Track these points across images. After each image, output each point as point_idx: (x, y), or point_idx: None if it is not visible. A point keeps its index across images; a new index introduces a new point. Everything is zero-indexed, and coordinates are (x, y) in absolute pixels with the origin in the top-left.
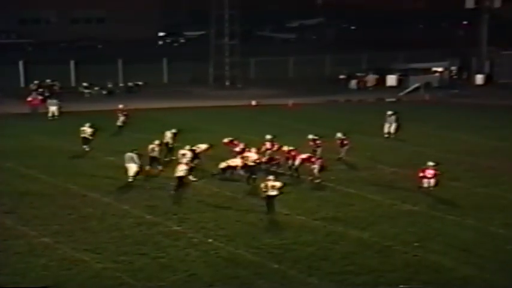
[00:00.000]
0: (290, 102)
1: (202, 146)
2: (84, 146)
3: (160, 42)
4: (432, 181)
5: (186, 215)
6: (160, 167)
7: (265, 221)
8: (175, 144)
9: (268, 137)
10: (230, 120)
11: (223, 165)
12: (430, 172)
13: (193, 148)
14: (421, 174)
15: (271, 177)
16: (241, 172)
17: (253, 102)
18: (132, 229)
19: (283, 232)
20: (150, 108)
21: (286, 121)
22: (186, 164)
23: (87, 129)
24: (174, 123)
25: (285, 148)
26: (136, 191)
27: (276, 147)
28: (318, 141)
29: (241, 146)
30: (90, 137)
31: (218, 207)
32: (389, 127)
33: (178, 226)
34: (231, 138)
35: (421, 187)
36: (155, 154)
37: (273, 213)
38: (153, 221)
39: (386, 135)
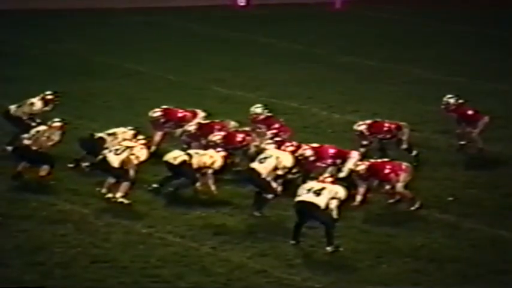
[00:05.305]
0: None
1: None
2: None
3: None
4: None
5: None
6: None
7: None
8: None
9: (258, 110)
10: (190, 48)
11: (175, 159)
12: None
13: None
14: None
15: None
16: (211, 181)
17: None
18: None
19: None
20: None
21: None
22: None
23: None
24: None
25: (306, 151)
26: None
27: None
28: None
29: (199, 117)
30: None
31: None
32: None
33: None
34: (165, 107)
35: None
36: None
37: None
38: None
39: None
